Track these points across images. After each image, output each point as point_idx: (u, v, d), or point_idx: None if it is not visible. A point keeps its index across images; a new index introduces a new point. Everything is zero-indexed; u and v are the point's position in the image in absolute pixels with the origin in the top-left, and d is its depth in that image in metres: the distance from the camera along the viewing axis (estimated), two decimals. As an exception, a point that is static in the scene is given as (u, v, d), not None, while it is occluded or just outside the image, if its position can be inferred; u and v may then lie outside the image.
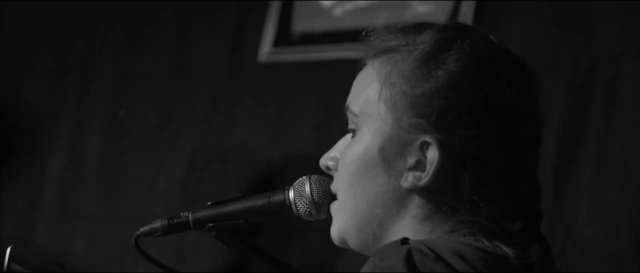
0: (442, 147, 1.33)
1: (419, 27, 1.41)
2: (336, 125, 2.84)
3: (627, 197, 2.28)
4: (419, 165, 1.36)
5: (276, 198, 1.53)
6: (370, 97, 1.40)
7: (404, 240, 1.30)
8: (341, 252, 2.66)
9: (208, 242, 2.93)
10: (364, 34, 1.45)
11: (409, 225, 1.38)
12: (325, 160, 1.49)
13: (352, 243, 1.44)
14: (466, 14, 2.61)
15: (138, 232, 1.58)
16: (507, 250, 1.33)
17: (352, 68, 2.84)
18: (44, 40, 3.49)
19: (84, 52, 3.39)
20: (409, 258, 1.24)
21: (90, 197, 3.30)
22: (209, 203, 1.56)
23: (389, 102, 1.37)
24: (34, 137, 3.45)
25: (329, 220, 1.51)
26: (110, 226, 3.22)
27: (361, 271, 1.28)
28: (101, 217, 3.26)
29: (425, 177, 1.35)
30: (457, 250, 1.28)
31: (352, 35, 2.91)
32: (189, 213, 1.56)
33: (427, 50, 1.37)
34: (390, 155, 1.37)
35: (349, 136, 1.46)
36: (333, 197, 1.48)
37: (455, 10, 2.64)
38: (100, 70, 3.34)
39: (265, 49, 2.99)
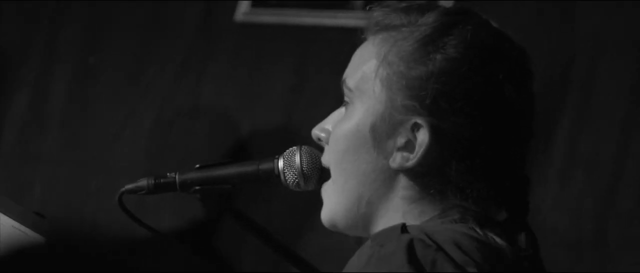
0: (433, 131, 1.34)
1: (422, 8, 1.40)
2: (308, 90, 2.84)
3: (593, 189, 2.32)
4: (408, 146, 1.36)
5: (265, 166, 1.52)
6: (366, 74, 1.39)
7: (404, 227, 1.30)
8: (307, 218, 2.68)
9: (170, 200, 2.92)
10: (368, 7, 1.43)
11: (399, 206, 1.38)
12: (317, 131, 1.48)
13: (342, 224, 1.43)
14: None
15: (123, 189, 1.56)
16: (500, 241, 1.33)
17: (327, 35, 2.84)
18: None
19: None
20: (410, 248, 1.24)
21: (51, 142, 3.26)
22: (197, 166, 1.55)
23: (385, 80, 1.37)
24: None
25: (314, 193, 1.51)
26: (70, 173, 3.19)
27: (358, 256, 1.28)
28: (62, 163, 3.22)
29: (413, 158, 1.35)
30: (454, 239, 1.29)
31: (329, 3, 2.94)
32: (175, 174, 1.55)
33: (427, 33, 1.36)
34: (380, 134, 1.37)
35: (343, 109, 1.45)
36: (322, 170, 1.48)
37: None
38: (71, 15, 3.28)
39: (243, 9, 2.97)
